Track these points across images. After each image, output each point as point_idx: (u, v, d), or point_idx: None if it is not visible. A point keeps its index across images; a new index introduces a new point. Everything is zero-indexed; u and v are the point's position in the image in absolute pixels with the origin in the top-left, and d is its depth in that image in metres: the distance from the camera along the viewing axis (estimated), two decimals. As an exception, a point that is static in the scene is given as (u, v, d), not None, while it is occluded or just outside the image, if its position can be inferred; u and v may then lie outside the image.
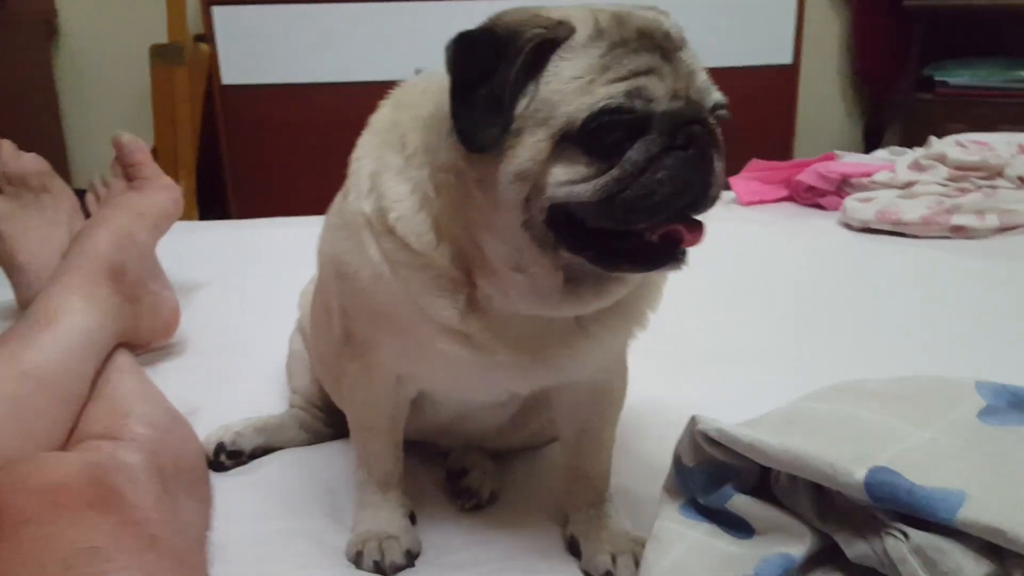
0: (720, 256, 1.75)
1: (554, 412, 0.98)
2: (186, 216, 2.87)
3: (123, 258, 1.24)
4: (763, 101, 3.20)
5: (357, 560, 0.90)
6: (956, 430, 0.78)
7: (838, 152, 2.33)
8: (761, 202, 2.22)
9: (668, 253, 0.74)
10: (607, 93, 0.70)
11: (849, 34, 3.87)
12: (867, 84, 3.93)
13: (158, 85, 3.06)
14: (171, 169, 2.93)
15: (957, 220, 1.91)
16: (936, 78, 3.50)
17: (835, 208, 2.10)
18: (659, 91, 0.71)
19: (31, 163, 1.41)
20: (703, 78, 0.74)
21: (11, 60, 3.22)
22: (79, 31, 3.57)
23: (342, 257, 0.85)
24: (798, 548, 0.74)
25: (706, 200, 0.74)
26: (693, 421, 0.81)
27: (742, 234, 1.97)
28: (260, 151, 3.14)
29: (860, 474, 0.70)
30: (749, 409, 0.85)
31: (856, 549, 0.72)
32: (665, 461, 0.84)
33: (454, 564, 0.91)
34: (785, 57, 3.23)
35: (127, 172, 1.44)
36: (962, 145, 2.11)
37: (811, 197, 2.20)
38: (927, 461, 0.72)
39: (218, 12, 3.01)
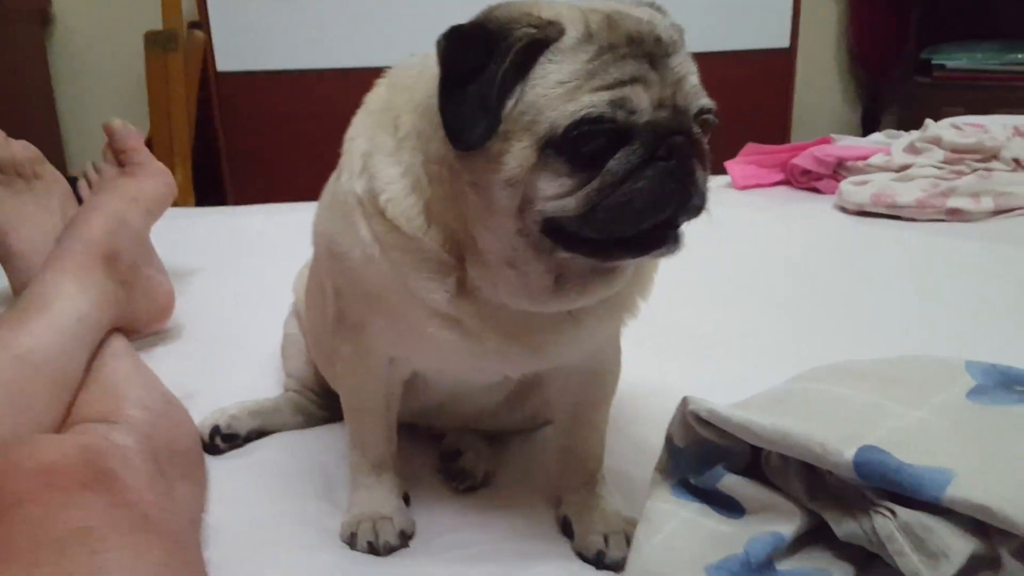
0: (715, 240, 1.75)
1: (547, 394, 0.98)
2: (183, 204, 2.90)
3: (117, 243, 1.25)
4: (760, 85, 3.18)
5: (351, 541, 0.91)
6: (945, 409, 0.78)
7: (834, 136, 2.33)
8: (757, 186, 2.22)
9: (660, 238, 0.74)
10: (590, 101, 0.69)
11: (846, 18, 3.85)
12: (864, 68, 3.91)
13: (153, 73, 3.04)
14: (167, 157, 2.92)
15: (952, 203, 1.91)
16: (933, 61, 3.48)
17: (831, 192, 2.10)
18: (643, 101, 0.71)
19: (21, 150, 1.41)
20: (692, 83, 0.74)
21: (5, 49, 3.20)
22: (73, 19, 3.55)
23: (334, 237, 0.86)
24: (788, 527, 0.75)
25: (688, 210, 0.74)
26: (685, 402, 0.81)
27: (737, 218, 1.97)
28: (256, 138, 3.13)
29: (849, 453, 0.70)
30: (742, 392, 0.85)
31: (845, 527, 0.73)
32: (658, 443, 0.84)
33: (448, 545, 0.92)
34: (782, 41, 3.22)
35: (119, 158, 1.44)
36: (958, 128, 2.10)
37: (807, 181, 2.20)
38: (916, 440, 0.73)
39: (213, -2, 3.00)
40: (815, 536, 0.76)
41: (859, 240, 1.88)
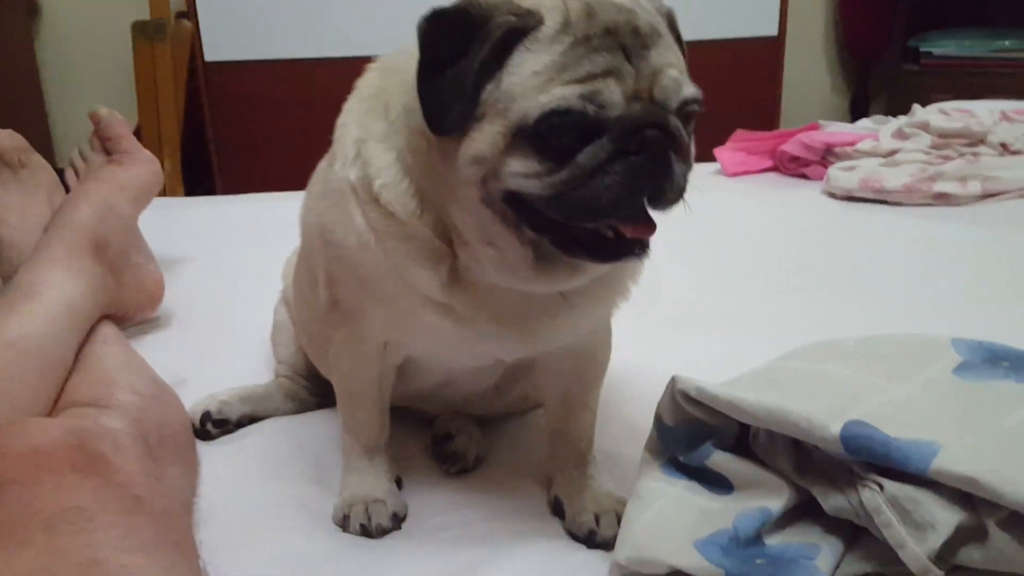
0: (705, 225, 1.76)
1: (539, 376, 0.99)
2: (172, 194, 2.89)
3: (105, 230, 1.24)
4: (749, 73, 3.19)
5: (344, 524, 0.91)
6: (932, 385, 0.79)
7: (822, 122, 2.33)
8: (746, 172, 2.22)
9: (624, 247, 0.74)
10: (561, 95, 0.69)
11: (834, 6, 3.85)
12: (852, 56, 3.92)
13: (140, 62, 3.03)
14: (155, 147, 2.91)
15: (940, 187, 1.91)
16: (921, 49, 3.49)
17: (819, 178, 2.11)
18: (615, 95, 0.70)
19: (7, 139, 1.40)
20: (671, 76, 0.73)
21: (-8, 39, 3.19)
22: (61, 9, 3.53)
23: (328, 225, 0.85)
24: (776, 502, 0.76)
25: (662, 202, 0.73)
26: (674, 381, 0.82)
27: (727, 204, 1.98)
28: (245, 128, 3.12)
29: (836, 428, 0.71)
30: (731, 372, 0.85)
31: (833, 502, 0.73)
32: (647, 423, 0.85)
33: (440, 527, 0.92)
34: (771, 29, 3.22)
35: (106, 146, 1.43)
36: (945, 113, 2.11)
37: (795, 167, 2.21)
38: (902, 415, 0.73)
39: (200, -12, 2.98)
40: (803, 511, 0.77)
41: (847, 225, 1.89)
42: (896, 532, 0.68)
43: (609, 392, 1.02)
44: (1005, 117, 2.13)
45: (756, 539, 0.74)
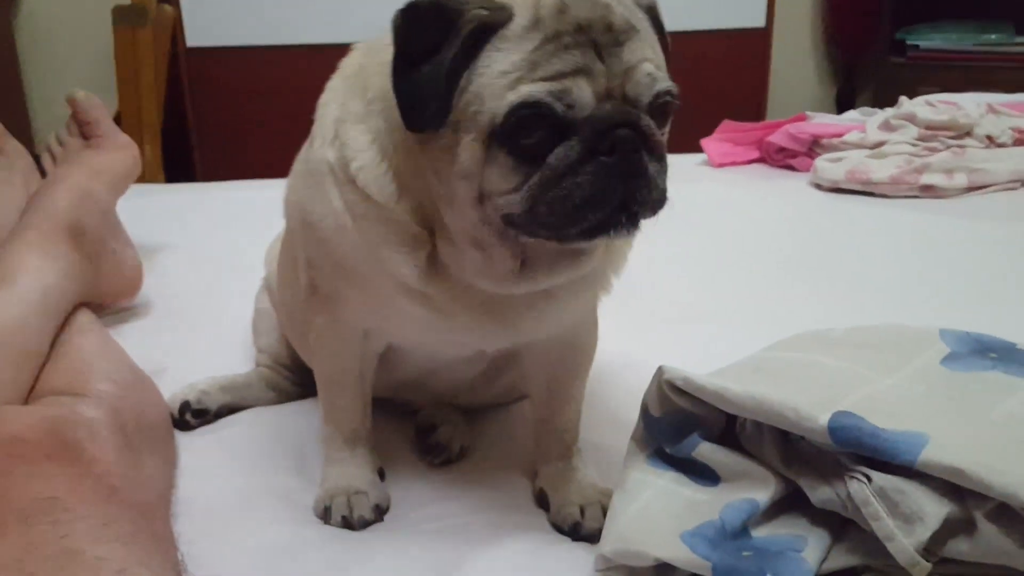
0: (692, 216, 1.76)
1: (524, 368, 0.98)
2: (152, 180, 2.86)
3: (82, 216, 1.22)
4: (736, 64, 3.19)
5: (325, 515, 0.90)
6: (920, 376, 0.79)
7: (809, 113, 2.33)
8: (732, 164, 2.22)
9: (611, 220, 0.73)
10: (528, 91, 0.68)
11: (822, -2, 3.86)
12: (839, 48, 3.92)
13: (121, 48, 2.99)
14: (136, 133, 2.87)
15: (926, 179, 1.91)
16: (908, 42, 3.50)
17: (806, 169, 2.11)
18: (585, 94, 0.69)
19: None
20: (644, 71, 0.71)
21: (-31, 23, 3.14)
22: (40, -7, 3.48)
23: (307, 206, 0.84)
24: (762, 494, 0.75)
25: (640, 202, 0.72)
26: (660, 371, 0.81)
27: (713, 195, 1.97)
28: (226, 114, 3.10)
29: (824, 418, 0.70)
30: (718, 363, 0.85)
31: (820, 494, 0.73)
32: (633, 414, 0.84)
33: (423, 519, 0.91)
34: (758, 20, 3.22)
35: (83, 130, 1.41)
36: (932, 105, 2.11)
37: (782, 158, 2.20)
38: (890, 405, 0.73)
39: (182, -27, 2.95)
40: (790, 503, 0.76)
41: (834, 216, 1.89)
42: (884, 524, 0.68)
43: (595, 383, 1.01)
44: (991, 110, 2.13)
45: (743, 531, 0.74)
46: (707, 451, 0.79)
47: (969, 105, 2.12)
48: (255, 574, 0.82)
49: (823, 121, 2.27)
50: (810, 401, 0.72)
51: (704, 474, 0.79)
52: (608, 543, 0.75)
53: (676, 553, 0.71)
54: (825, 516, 0.74)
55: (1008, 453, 0.67)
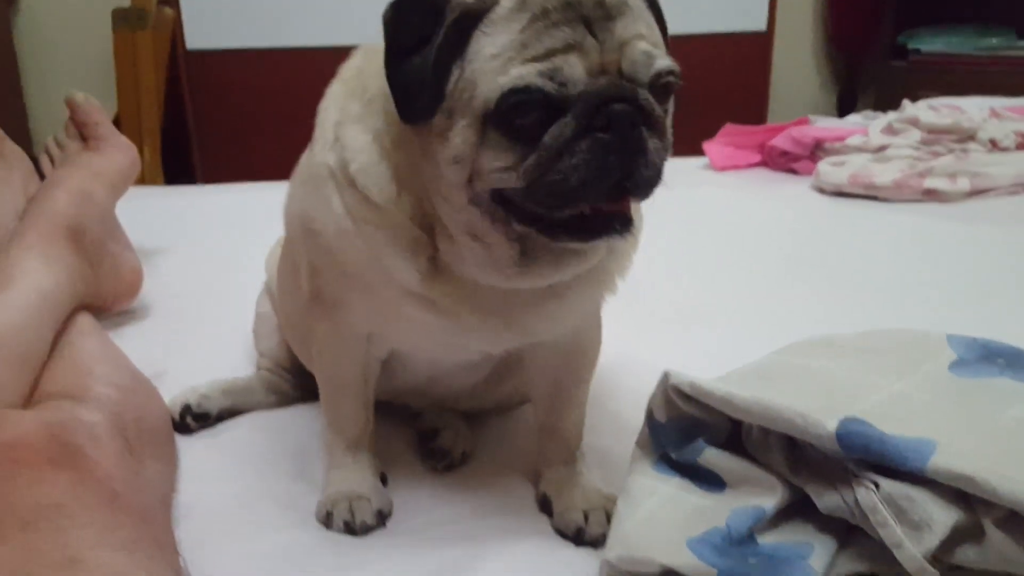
0: (694, 219, 1.76)
1: (527, 371, 0.97)
2: (152, 183, 2.85)
3: (81, 218, 1.22)
4: (737, 67, 3.19)
5: (327, 521, 0.89)
6: (928, 382, 0.78)
7: (811, 117, 2.33)
8: (734, 167, 2.22)
9: (604, 225, 0.72)
10: (518, 74, 0.67)
11: (823, 2, 3.86)
12: (841, 52, 3.93)
13: (121, 50, 2.99)
14: (135, 136, 2.87)
15: (929, 183, 1.91)
16: (909, 46, 3.50)
17: (808, 173, 2.11)
18: (576, 70, 0.68)
19: None
20: (640, 49, 0.70)
21: (-31, 25, 3.14)
22: (40, -5, 3.48)
23: (309, 212, 0.84)
24: (769, 500, 0.74)
25: (637, 181, 0.70)
26: (666, 376, 0.80)
27: (715, 198, 1.97)
28: (226, 117, 3.09)
29: (832, 425, 0.70)
30: (722, 367, 0.84)
31: (827, 500, 0.72)
32: (638, 419, 0.84)
33: (426, 524, 0.91)
34: (759, 24, 3.22)
35: (82, 132, 1.40)
36: (934, 109, 2.11)
37: (784, 162, 2.20)
38: (899, 412, 0.72)
39: (182, -25, 2.95)
40: (797, 509, 0.76)
41: (837, 220, 1.89)
42: (892, 531, 0.67)
43: (599, 387, 1.01)
44: (994, 114, 2.13)
45: (749, 538, 0.73)
46: (713, 457, 0.78)
47: (972, 109, 2.12)
48: (256, 580, 0.81)
49: (826, 125, 2.27)
50: (817, 407, 0.72)
51: (710, 480, 0.78)
52: (613, 549, 0.74)
53: (682, 560, 0.70)
54: (832, 523, 0.74)
55: (1017, 460, 0.66)
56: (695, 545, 0.72)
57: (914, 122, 2.05)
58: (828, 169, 2.00)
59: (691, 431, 0.79)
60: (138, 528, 0.69)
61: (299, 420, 1.11)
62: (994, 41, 3.40)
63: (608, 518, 0.85)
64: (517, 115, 0.68)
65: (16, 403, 0.91)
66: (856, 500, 0.69)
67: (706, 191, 1.99)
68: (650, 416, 0.82)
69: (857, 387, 0.76)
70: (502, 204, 0.72)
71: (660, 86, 0.72)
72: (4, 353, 0.93)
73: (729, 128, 2.30)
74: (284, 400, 1.15)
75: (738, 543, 0.72)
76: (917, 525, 0.67)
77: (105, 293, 1.26)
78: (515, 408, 1.12)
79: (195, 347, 1.30)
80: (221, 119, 3.09)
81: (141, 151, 1.48)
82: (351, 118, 0.79)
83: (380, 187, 0.77)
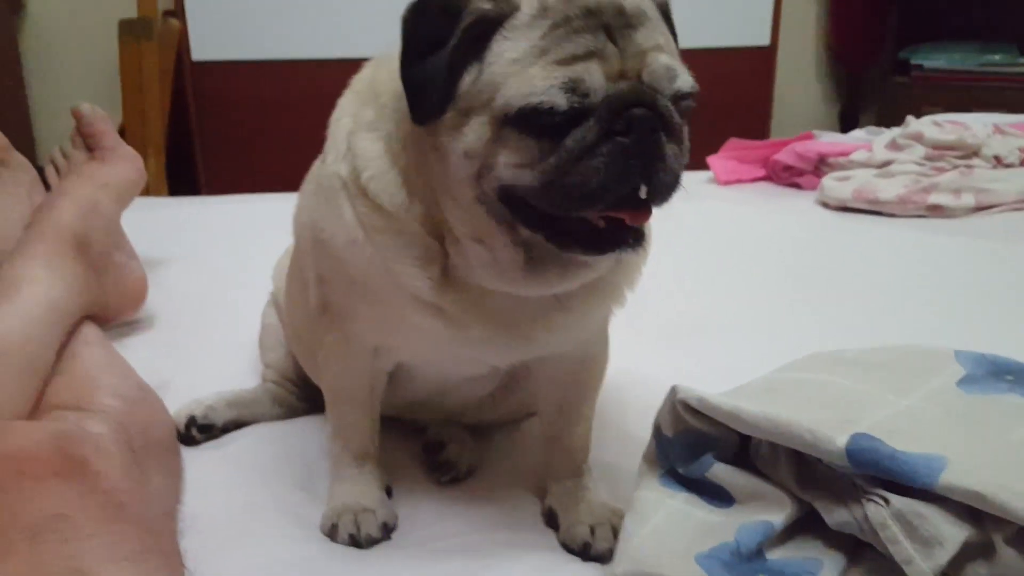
0: (699, 233, 1.76)
1: (534, 384, 0.97)
2: (156, 193, 2.86)
3: (87, 228, 1.22)
4: (741, 82, 3.20)
5: (332, 533, 0.89)
6: (936, 398, 0.78)
7: (816, 132, 2.34)
8: (738, 181, 2.22)
9: (617, 238, 0.72)
10: (541, 85, 0.67)
11: (826, 17, 3.88)
12: (843, 67, 3.94)
13: (126, 61, 3.00)
14: (140, 146, 2.87)
15: (933, 199, 1.92)
16: (912, 61, 3.52)
17: (812, 187, 2.11)
18: (597, 77, 0.68)
19: None
20: (661, 60, 0.71)
21: (-25, 35, 3.15)
22: (45, 5, 3.49)
23: (319, 222, 0.84)
24: (778, 516, 0.74)
25: (655, 185, 0.70)
26: (674, 391, 0.80)
27: (720, 212, 1.98)
28: (230, 128, 3.10)
29: (842, 441, 0.69)
30: (729, 382, 0.84)
31: (836, 516, 0.72)
32: (646, 433, 0.83)
33: (431, 537, 0.90)
34: (763, 39, 3.24)
35: (88, 143, 1.41)
36: (938, 125, 2.12)
37: (788, 176, 2.20)
38: (908, 428, 0.72)
39: (188, -13, 2.97)
40: (805, 525, 0.75)
41: (841, 235, 1.89)
42: (902, 548, 0.67)
43: (605, 401, 1.01)
44: (998, 130, 2.14)
45: (758, 553, 0.73)
46: (721, 472, 0.78)
47: (976, 125, 2.12)
48: (261, 592, 0.81)
49: (830, 140, 2.27)
50: (827, 423, 0.71)
51: (718, 495, 0.78)
52: (621, 565, 0.74)
53: (691, 575, 0.70)
54: (841, 539, 0.73)
55: (1027, 477, 0.66)
56: (704, 560, 0.71)
57: (918, 138, 2.06)
58: (832, 184, 2.00)
59: (699, 446, 0.79)
60: (144, 540, 0.69)
61: (304, 432, 1.10)
62: (996, 57, 3.42)
63: (615, 533, 0.84)
64: (539, 117, 0.69)
65: (22, 413, 0.91)
66: (866, 516, 0.69)
67: (710, 205, 1.99)
68: (657, 430, 0.82)
69: (866, 402, 0.76)
70: (509, 204, 0.73)
71: (677, 108, 0.72)
72: (10, 363, 0.93)
73: (733, 142, 2.31)
74: (289, 412, 1.15)
75: (747, 559, 0.72)
76: (927, 541, 0.66)
77: (110, 303, 1.26)
78: (521, 421, 1.12)
79: (200, 358, 1.30)
80: (225, 130, 3.10)
81: (146, 162, 1.48)
82: (364, 126, 0.80)
83: (391, 195, 0.78)
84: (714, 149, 2.29)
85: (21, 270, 1.08)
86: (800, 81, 3.88)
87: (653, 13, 0.74)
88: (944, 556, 0.66)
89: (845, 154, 2.12)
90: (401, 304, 0.81)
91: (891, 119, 2.39)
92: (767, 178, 2.25)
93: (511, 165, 0.70)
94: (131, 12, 3.01)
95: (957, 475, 0.66)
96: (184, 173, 3.17)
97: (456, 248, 0.78)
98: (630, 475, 0.84)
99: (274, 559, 0.85)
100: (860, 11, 3.74)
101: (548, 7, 0.70)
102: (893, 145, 2.09)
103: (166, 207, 2.11)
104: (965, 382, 0.80)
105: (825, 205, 2.02)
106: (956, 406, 0.77)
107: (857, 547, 0.73)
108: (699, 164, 2.22)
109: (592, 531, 0.87)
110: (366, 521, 0.89)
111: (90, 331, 1.10)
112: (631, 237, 0.73)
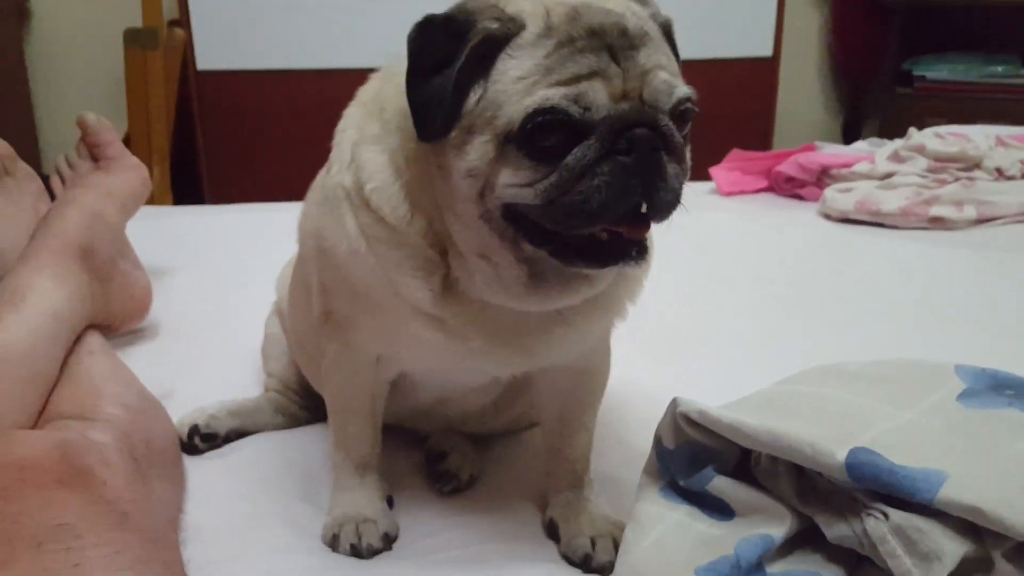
0: (701, 245, 1.77)
1: (535, 396, 0.97)
2: (160, 203, 2.87)
3: (92, 237, 1.22)
4: (743, 93, 3.20)
5: (334, 543, 0.89)
6: (936, 412, 0.78)
7: (818, 143, 2.34)
8: (741, 192, 2.22)
9: (620, 251, 0.73)
10: (544, 96, 0.68)
11: (829, 28, 3.88)
12: (846, 78, 3.95)
13: (132, 70, 3.01)
14: (144, 155, 2.89)
15: (935, 211, 1.92)
16: (914, 72, 3.52)
17: (815, 199, 2.11)
18: (600, 96, 0.69)
19: None
20: (662, 78, 0.72)
21: (-18, 44, 3.16)
22: (51, 15, 3.51)
23: (322, 232, 0.84)
24: (778, 529, 0.74)
25: (655, 204, 0.71)
26: (675, 403, 0.80)
27: (722, 224, 1.98)
28: (235, 137, 3.11)
29: (841, 455, 0.70)
30: (730, 394, 0.84)
31: (836, 530, 0.72)
32: (646, 445, 0.84)
33: (432, 548, 0.91)
34: (765, 50, 3.24)
35: (93, 152, 1.41)
36: (940, 137, 2.12)
37: (791, 188, 2.21)
38: (908, 442, 0.72)
39: (194, -4, 2.98)
40: (805, 539, 0.75)
41: (843, 247, 1.89)
42: (901, 562, 0.67)
43: (606, 413, 1.01)
44: (1000, 142, 2.14)
45: (758, 566, 0.73)
46: (722, 485, 0.78)
47: (978, 137, 2.12)
48: (263, 602, 0.81)
49: (832, 151, 2.27)
50: (827, 436, 0.72)
51: (718, 508, 0.78)
52: (621, 577, 0.74)
53: (691, 588, 0.70)
54: (840, 552, 0.73)
55: (1027, 492, 0.66)
56: (704, 574, 0.71)
57: (920, 150, 2.06)
58: (835, 195, 2.01)
59: (699, 458, 0.79)
60: (147, 549, 0.69)
61: (307, 441, 1.11)
62: (998, 69, 3.42)
63: (616, 545, 0.85)
64: (540, 136, 0.69)
65: (26, 422, 0.92)
66: (865, 530, 0.69)
67: (713, 216, 2.00)
68: (658, 443, 0.82)
69: (866, 416, 0.76)
70: (512, 222, 0.73)
71: (679, 113, 0.73)
72: (14, 372, 0.93)
73: (735, 153, 2.31)
74: (292, 421, 1.15)
75: (747, 572, 0.72)
76: (926, 556, 0.67)
77: (115, 313, 1.27)
78: (523, 432, 1.12)
79: (204, 367, 1.30)
80: (229, 139, 3.11)
81: (151, 171, 1.49)
82: (369, 139, 0.81)
83: (394, 207, 0.78)
84: (716, 160, 2.30)
85: (26, 279, 1.09)
86: (803, 92, 3.89)
87: (656, 33, 0.75)
88: (943, 571, 0.66)
89: (847, 166, 2.12)
90: (402, 315, 0.81)
91: (894, 130, 2.39)
92: (769, 189, 2.25)
93: (513, 184, 0.71)
94: (137, 21, 3.03)
95: (956, 490, 0.66)
96: (188, 182, 3.18)
97: (459, 262, 0.78)
98: (631, 487, 0.84)
99: (275, 569, 0.86)
100: (863, 22, 3.75)
101: (553, 27, 0.71)
102: (895, 157, 2.09)
103: (170, 216, 2.12)
104: (965, 396, 0.80)
105: (827, 216, 2.02)
106: (956, 420, 0.77)
107: (857, 561, 0.73)
108: (701, 175, 2.23)
109: (593, 543, 0.87)
110: (367, 531, 0.89)
111: (94, 340, 1.11)
112: (634, 250, 0.73)
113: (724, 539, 0.75)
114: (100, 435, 0.84)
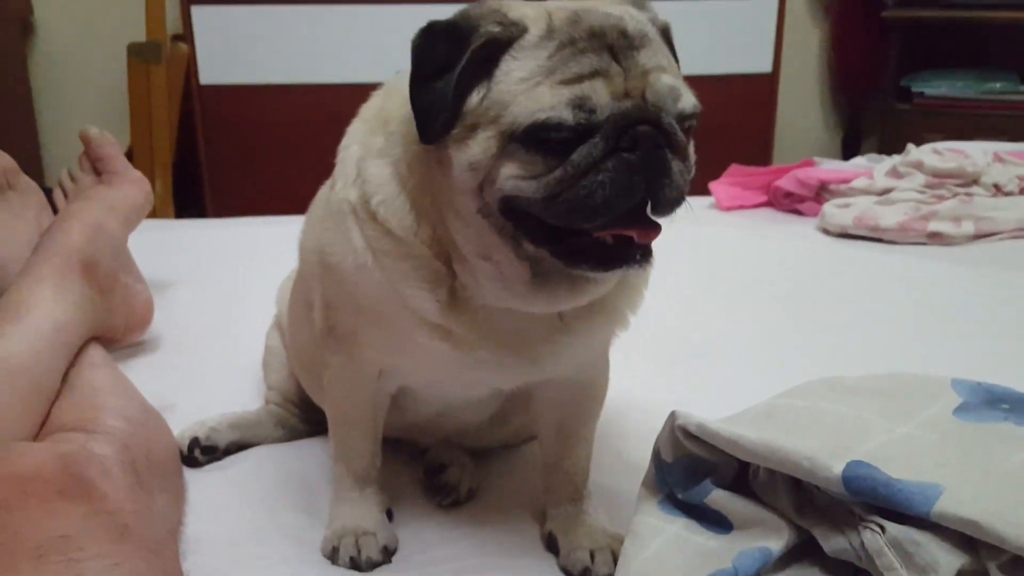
0: (700, 259, 1.77)
1: (535, 407, 0.97)
2: (162, 216, 2.88)
3: (95, 251, 1.23)
4: (743, 108, 3.21)
5: (333, 556, 0.90)
6: (932, 426, 0.78)
7: (817, 159, 2.35)
8: (740, 207, 2.23)
9: (625, 254, 0.74)
10: (549, 102, 0.69)
11: (828, 45, 3.90)
12: (845, 94, 3.96)
13: (135, 84, 3.03)
14: (147, 169, 2.90)
15: (934, 227, 1.92)
16: (913, 88, 3.53)
17: (813, 214, 2.12)
18: (602, 95, 0.70)
19: None
20: (665, 81, 0.73)
21: (-14, 58, 3.18)
22: (55, 29, 3.52)
23: (327, 247, 0.85)
24: (776, 542, 0.74)
25: (660, 201, 0.72)
26: (673, 416, 0.81)
27: (721, 238, 1.98)
28: (237, 151, 3.12)
29: (838, 468, 0.70)
30: (729, 408, 0.84)
31: (833, 543, 0.72)
32: (645, 458, 0.84)
33: (431, 560, 0.91)
34: (765, 66, 3.26)
35: (96, 166, 1.42)
36: (938, 153, 2.13)
37: (790, 203, 2.22)
38: (904, 455, 0.73)
39: (197, 11, 2.99)
40: (803, 552, 0.76)
41: (842, 262, 1.89)
42: (898, 575, 0.67)
43: (605, 426, 1.01)
44: (998, 158, 2.15)
45: (755, 579, 0.73)
46: (720, 498, 0.78)
47: (976, 153, 2.13)
48: (262, 615, 0.82)
49: (831, 167, 2.28)
50: (824, 450, 0.72)
51: (717, 521, 0.78)
52: (620, 590, 0.74)
53: (689, 601, 0.70)
54: (838, 565, 0.74)
55: (1022, 505, 0.66)
56: (702, 586, 0.72)
57: (918, 166, 2.07)
58: (833, 211, 2.01)
59: (698, 471, 0.80)
60: (147, 561, 0.70)
61: (307, 454, 1.11)
62: (997, 85, 3.44)
63: (615, 558, 0.85)
64: (546, 137, 0.70)
65: (28, 434, 0.92)
66: (862, 543, 0.70)
67: (712, 230, 2.00)
68: (657, 456, 0.83)
69: (863, 430, 0.76)
70: (511, 217, 0.74)
71: (685, 129, 0.74)
72: (16, 385, 0.94)
73: (735, 168, 2.32)
74: (292, 434, 1.16)
75: (744, 585, 0.72)
76: (923, 569, 0.67)
77: (117, 325, 1.27)
78: (522, 445, 1.12)
79: (204, 380, 1.31)
80: (232, 153, 3.12)
81: (153, 184, 1.49)
82: (373, 152, 0.81)
83: (400, 218, 0.79)
84: (716, 175, 2.31)
85: (28, 292, 1.09)
86: (802, 108, 3.90)
87: (655, 36, 0.76)
88: (939, 583, 0.66)
89: (846, 181, 2.13)
90: (409, 326, 0.82)
91: (893, 145, 2.40)
92: (768, 204, 2.26)
93: (515, 177, 0.72)
94: (140, 36, 3.05)
95: (952, 503, 0.67)
96: (191, 195, 3.19)
97: (463, 267, 0.79)
98: (630, 500, 0.85)
99: (275, 581, 0.86)
100: (862, 38, 3.76)
101: (555, 29, 0.72)
102: (893, 173, 2.10)
103: (172, 229, 2.13)
104: (961, 410, 0.81)
105: (826, 231, 2.03)
106: (952, 434, 0.78)
107: (854, 574, 0.73)
108: (701, 190, 2.24)
109: (592, 556, 0.87)
110: (367, 544, 0.90)
111: (96, 353, 1.11)
112: (639, 253, 0.74)
113: (722, 552, 0.75)
114: (101, 447, 0.85)
